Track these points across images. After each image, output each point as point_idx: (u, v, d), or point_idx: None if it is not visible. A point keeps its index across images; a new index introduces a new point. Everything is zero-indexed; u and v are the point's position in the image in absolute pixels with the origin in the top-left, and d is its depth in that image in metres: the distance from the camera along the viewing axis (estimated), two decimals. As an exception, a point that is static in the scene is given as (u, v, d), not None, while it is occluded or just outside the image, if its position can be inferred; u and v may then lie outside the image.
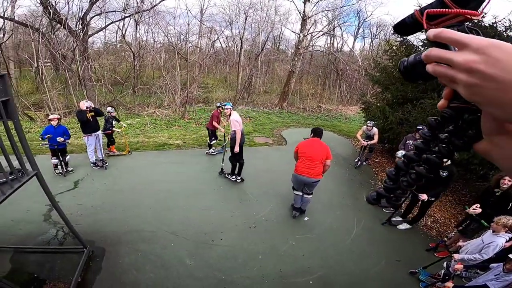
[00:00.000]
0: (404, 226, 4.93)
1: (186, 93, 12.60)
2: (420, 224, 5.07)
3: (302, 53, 16.61)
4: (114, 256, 3.75)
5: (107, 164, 6.26)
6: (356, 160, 7.48)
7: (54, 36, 13.29)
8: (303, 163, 4.38)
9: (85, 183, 5.58)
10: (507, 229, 3.05)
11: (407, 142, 5.60)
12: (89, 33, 14.75)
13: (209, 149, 7.40)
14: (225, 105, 5.96)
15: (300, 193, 4.74)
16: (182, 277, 3.50)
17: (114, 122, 6.81)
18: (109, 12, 15.18)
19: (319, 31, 18.81)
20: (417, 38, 7.91)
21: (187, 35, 16.65)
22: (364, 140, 6.92)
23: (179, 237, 4.21)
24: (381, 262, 4.04)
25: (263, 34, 19.98)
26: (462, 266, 3.16)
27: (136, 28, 16.32)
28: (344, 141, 9.75)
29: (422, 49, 6.88)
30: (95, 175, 5.89)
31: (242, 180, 5.94)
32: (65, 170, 5.81)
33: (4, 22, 12.59)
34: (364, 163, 7.55)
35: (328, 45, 22.57)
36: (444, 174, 4.09)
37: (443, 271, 3.48)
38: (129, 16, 15.50)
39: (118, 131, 6.99)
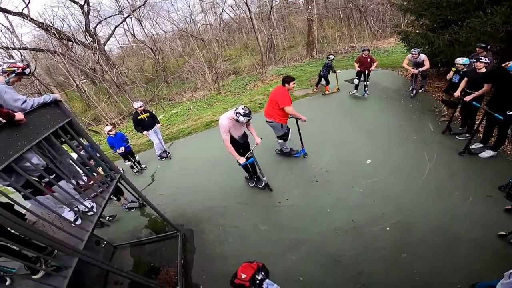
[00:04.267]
0: (487, 153, 4.27)
1: (214, 70, 12.72)
2: (507, 149, 4.36)
3: (314, -1, 15.26)
4: (201, 235, 4.09)
5: (170, 153, 6.79)
6: (410, 89, 6.97)
7: (74, 54, 14.19)
8: (266, 105, 4.89)
9: (159, 175, 6.12)
10: None
11: (471, 60, 5.02)
12: (102, 42, 15.44)
13: None
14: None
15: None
16: (261, 243, 3.68)
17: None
18: (108, 18, 15.55)
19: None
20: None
21: (192, 16, 16.29)
22: (414, 68, 6.45)
23: (249, 205, 4.37)
24: (468, 199, 3.61)
25: (268, -9, 18.46)
26: None
27: (141, 25, 16.48)
28: (390, 73, 8.98)
29: None
30: (164, 166, 6.44)
31: (267, 186, 4.62)
32: (140, 168, 6.44)
33: (21, 54, 13.49)
34: (421, 90, 7.07)
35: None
36: None
37: None
38: (128, 16, 15.66)
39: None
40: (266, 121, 4.89)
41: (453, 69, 5.15)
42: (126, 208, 5.07)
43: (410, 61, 6.70)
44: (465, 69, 4.86)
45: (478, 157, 4.34)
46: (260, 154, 4.17)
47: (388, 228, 3.44)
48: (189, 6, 16.19)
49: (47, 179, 2.26)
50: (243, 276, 3.16)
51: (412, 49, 6.58)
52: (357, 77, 7.48)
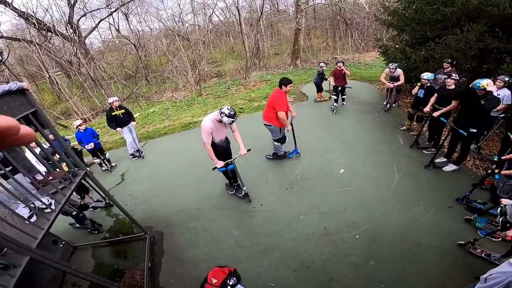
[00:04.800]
0: (450, 167, 4.57)
1: (198, 71, 12.60)
2: (468, 164, 4.71)
3: (304, 9, 15.70)
4: (171, 237, 3.98)
5: (143, 153, 6.57)
6: (385, 103, 7.25)
7: (51, 45, 13.54)
8: (264, 109, 4.95)
9: (129, 175, 5.91)
10: None
11: (437, 76, 5.58)
12: (83, 35, 14.86)
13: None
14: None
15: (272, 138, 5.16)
16: (233, 248, 3.65)
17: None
18: (94, 11, 15.03)
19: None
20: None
21: (181, 15, 16.16)
22: (390, 82, 6.72)
23: (223, 209, 4.32)
24: (431, 209, 3.83)
25: (259, -1, 18.84)
26: None
27: (128, 20, 16.06)
28: (368, 87, 9.36)
29: None
30: (136, 166, 6.21)
31: (246, 195, 4.43)
32: (109, 166, 6.16)
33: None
34: (394, 105, 7.39)
35: (330, -4, 20.95)
36: (483, 102, 3.80)
37: (501, 219, 3.14)
38: (115, 11, 15.22)
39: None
40: (264, 124, 4.94)
41: (418, 84, 5.43)
42: (91, 208, 4.81)
43: (387, 75, 6.92)
44: (429, 84, 5.17)
45: (441, 170, 4.63)
46: (237, 160, 4.13)
47: (357, 236, 3.57)
48: (179, 5, 15.95)
49: (2, 172, 2.09)
50: (214, 281, 3.08)
51: (390, 64, 6.80)
52: (334, 93, 7.49)
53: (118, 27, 17.56)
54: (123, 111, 5.98)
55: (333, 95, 7.58)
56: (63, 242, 3.84)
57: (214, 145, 3.89)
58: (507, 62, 5.53)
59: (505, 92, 4.40)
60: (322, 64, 8.25)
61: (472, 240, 3.15)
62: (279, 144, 5.16)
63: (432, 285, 2.89)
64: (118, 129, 5.99)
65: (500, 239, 3.24)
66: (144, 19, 18.32)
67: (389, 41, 8.87)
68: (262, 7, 16.82)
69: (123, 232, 4.29)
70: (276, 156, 5.46)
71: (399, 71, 6.64)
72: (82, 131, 5.53)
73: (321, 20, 22.02)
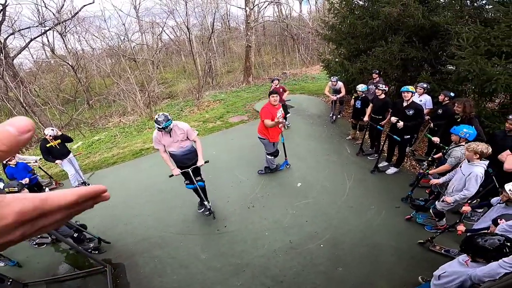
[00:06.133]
0: (392, 170, 5.06)
1: (147, 93, 12.01)
2: (406, 165, 5.23)
3: (254, 26, 16.32)
4: (135, 268, 3.80)
5: (90, 185, 5.95)
6: (331, 115, 7.71)
7: None
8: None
9: None
10: (478, 155, 2.94)
11: (369, 87, 6.11)
12: (11, 55, 13.24)
13: None
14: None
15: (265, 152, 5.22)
16: (203, 271, 3.58)
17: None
18: (23, 29, 13.62)
19: (264, 1, 18.46)
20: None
21: (127, 34, 15.47)
22: (333, 95, 7.15)
23: (186, 235, 4.23)
24: (382, 212, 4.14)
25: (210, 16, 19.13)
26: (469, 208, 3.04)
27: (64, 41, 14.80)
28: (315, 100, 9.93)
29: (362, 2, 6.74)
30: None
31: (210, 211, 4.46)
32: None
33: None
34: (339, 116, 7.87)
35: (277, 13, 22.31)
36: (409, 112, 4.35)
37: (431, 210, 3.54)
38: (48, 30, 13.96)
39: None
40: (259, 138, 4.98)
41: (354, 95, 5.92)
42: (35, 244, 4.33)
43: (330, 88, 7.24)
44: (363, 95, 5.69)
45: (385, 173, 5.11)
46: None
47: (322, 245, 3.72)
48: (124, 25, 15.20)
49: None
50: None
51: (332, 77, 7.15)
52: None
53: (53, 47, 15.99)
54: (59, 141, 5.42)
55: None
56: (10, 280, 3.53)
57: (174, 156, 3.91)
58: (426, 69, 6.43)
59: (425, 97, 5.08)
60: (275, 78, 8.29)
61: (430, 238, 3.46)
62: (272, 157, 5.22)
63: (397, 285, 3.10)
64: (57, 161, 5.44)
65: (445, 226, 3.59)
66: (84, 38, 17.07)
67: (330, 55, 9.39)
68: (213, 25, 17.03)
69: (79, 266, 3.98)
70: (268, 169, 5.47)
71: (340, 84, 7.02)
72: (13, 166, 4.89)
73: (270, 36, 23.16)
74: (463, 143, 3.38)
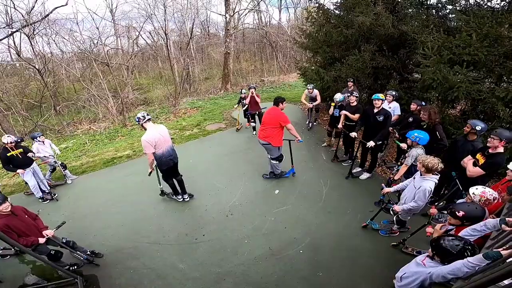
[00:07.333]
0: (365, 175, 5.26)
1: (121, 100, 11.50)
2: (378, 170, 5.46)
3: (233, 33, 16.34)
4: (108, 280, 3.63)
5: (56, 195, 5.63)
6: (307, 122, 7.88)
7: None
8: (260, 128, 5.07)
9: (43, 219, 4.88)
10: (425, 169, 2.98)
11: (345, 95, 6.16)
12: None
13: None
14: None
15: (269, 157, 5.23)
16: (182, 282, 3.48)
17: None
18: None
19: (245, 9, 18.66)
20: (331, 3, 8.34)
21: (100, 38, 14.81)
22: (309, 103, 7.29)
23: (162, 245, 4.11)
24: (357, 216, 4.29)
25: (189, 22, 18.95)
26: (436, 210, 3.16)
27: (31, 43, 13.88)
28: (292, 108, 10.10)
29: (338, 11, 6.93)
30: (49, 209, 5.26)
31: (191, 196, 5.11)
32: None
33: None
34: (315, 123, 8.07)
35: (257, 21, 22.63)
36: (380, 118, 4.57)
37: (394, 217, 3.70)
38: (16, 32, 13.05)
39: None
40: (262, 143, 4.98)
41: (332, 104, 6.08)
42: None
43: (307, 96, 7.29)
44: (341, 104, 5.86)
45: (359, 179, 5.29)
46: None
47: (301, 251, 3.76)
48: (97, 28, 14.51)
49: None
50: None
51: (308, 85, 7.20)
52: (252, 120, 7.58)
53: (20, 49, 14.90)
54: (20, 150, 5.11)
55: (251, 122, 7.66)
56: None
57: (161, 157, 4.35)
58: (394, 78, 6.74)
59: (394, 104, 5.35)
60: (243, 90, 8.06)
61: (402, 240, 3.60)
62: (277, 162, 5.24)
63: (378, 285, 3.18)
64: (19, 170, 5.13)
65: (398, 233, 3.85)
66: (54, 40, 16.10)
67: (307, 63, 9.52)
68: (192, 30, 16.83)
69: (47, 277, 3.75)
70: (273, 175, 5.44)
71: (316, 92, 7.14)
72: None
73: (250, 44, 23.35)
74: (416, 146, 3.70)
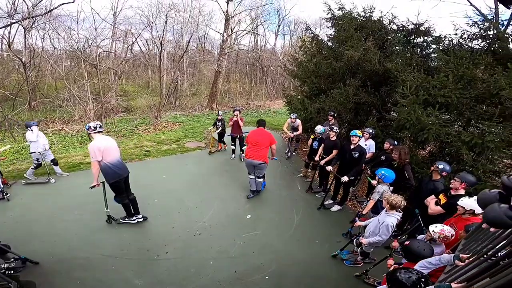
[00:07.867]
0: (336, 207, 5.37)
1: (101, 104, 11.15)
2: (349, 204, 5.62)
3: (227, 52, 16.71)
4: (48, 287, 3.38)
5: (9, 195, 5.23)
6: (286, 151, 7.92)
7: None
8: (250, 149, 5.20)
9: None
10: (390, 206, 3.15)
11: (325, 128, 6.28)
12: None
13: None
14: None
15: (253, 177, 5.42)
16: None
17: None
18: None
19: (243, 30, 19.38)
20: (325, 34, 8.70)
21: (95, 39, 14.69)
22: (290, 132, 7.37)
23: (120, 258, 3.87)
24: (325, 245, 4.34)
25: (187, 35, 19.38)
26: (398, 243, 3.19)
27: (25, 36, 13.51)
28: (274, 135, 10.00)
29: (330, 43, 7.14)
30: None
31: (145, 218, 4.72)
32: None
33: None
34: (294, 153, 8.13)
35: (252, 43, 23.44)
36: (355, 155, 4.77)
37: (359, 249, 3.78)
38: (15, 23, 12.69)
39: None
40: (256, 164, 5.13)
41: (312, 136, 6.23)
42: None
43: (289, 125, 7.33)
44: (321, 136, 6.03)
45: (330, 210, 5.39)
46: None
47: (267, 277, 3.70)
48: (95, 29, 14.38)
49: None
50: None
51: (291, 114, 7.29)
52: (232, 143, 7.48)
53: (12, 41, 14.37)
54: None
55: (232, 145, 7.56)
56: None
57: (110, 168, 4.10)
58: (373, 115, 6.98)
59: (370, 142, 5.59)
60: (220, 112, 8.04)
61: (365, 271, 3.66)
62: (262, 179, 5.60)
63: None
64: None
65: (362, 264, 3.92)
66: (50, 36, 15.75)
67: (294, 91, 9.54)
68: (188, 44, 17.08)
69: None
70: (256, 192, 5.66)
71: (298, 122, 7.21)
72: None
73: (242, 65, 23.89)
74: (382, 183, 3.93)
